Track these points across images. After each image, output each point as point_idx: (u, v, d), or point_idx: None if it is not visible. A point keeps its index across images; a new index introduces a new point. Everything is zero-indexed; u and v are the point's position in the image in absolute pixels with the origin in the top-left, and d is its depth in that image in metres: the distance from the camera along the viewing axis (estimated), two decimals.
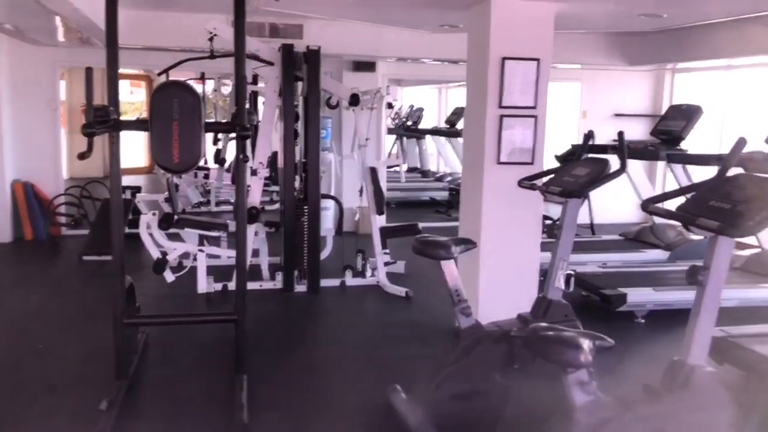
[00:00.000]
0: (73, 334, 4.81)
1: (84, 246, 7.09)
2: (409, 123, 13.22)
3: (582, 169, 3.50)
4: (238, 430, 3.36)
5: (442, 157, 13.42)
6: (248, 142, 3.68)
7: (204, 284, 5.77)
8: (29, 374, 4.09)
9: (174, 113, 3.39)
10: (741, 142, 2.68)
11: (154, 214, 5.76)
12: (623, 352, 4.48)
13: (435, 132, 12.66)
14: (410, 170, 13.55)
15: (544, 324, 2.62)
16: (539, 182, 3.72)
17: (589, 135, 3.77)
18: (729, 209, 2.48)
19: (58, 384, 3.96)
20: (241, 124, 3.42)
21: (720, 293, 2.60)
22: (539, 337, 2.44)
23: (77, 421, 3.47)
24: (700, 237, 6.40)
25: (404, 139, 13.61)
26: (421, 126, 13.06)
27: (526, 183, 3.71)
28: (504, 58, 4.49)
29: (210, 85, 11.79)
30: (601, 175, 3.35)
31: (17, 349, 4.51)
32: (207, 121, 3.53)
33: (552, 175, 3.70)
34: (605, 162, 3.42)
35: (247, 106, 3.70)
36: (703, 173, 5.08)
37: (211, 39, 5.46)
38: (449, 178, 12.13)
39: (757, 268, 5.88)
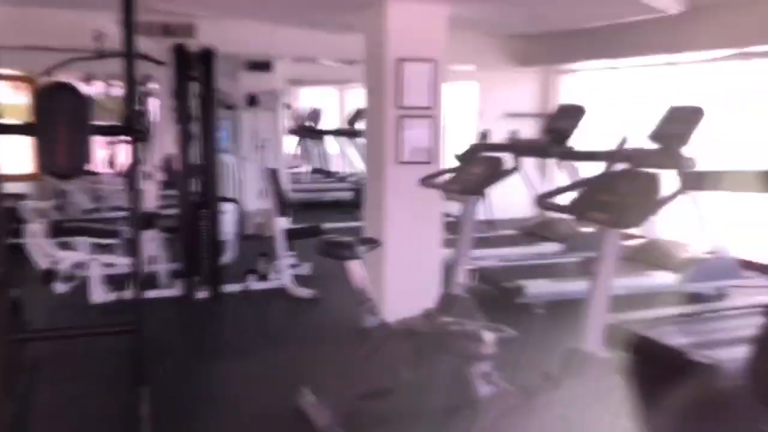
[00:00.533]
0: None
1: None
2: (310, 123, 13.16)
3: (479, 167, 3.59)
4: None
5: (345, 157, 13.44)
6: (142, 145, 3.54)
7: (99, 294, 5.51)
8: None
9: (60, 116, 3.21)
10: (625, 139, 2.83)
11: (41, 223, 5.44)
12: (524, 342, 4.63)
13: (336, 133, 12.66)
14: (314, 171, 13.50)
15: (448, 319, 2.68)
16: (439, 181, 3.79)
17: (485, 134, 3.89)
18: (616, 203, 2.62)
19: None
20: (133, 127, 3.29)
21: (611, 282, 2.73)
22: (443, 331, 2.50)
23: None
24: (591, 230, 6.74)
25: (306, 139, 13.53)
26: (323, 127, 13.03)
27: (427, 182, 3.78)
28: (401, 60, 4.55)
29: (98, 86, 11.27)
30: (496, 173, 3.45)
31: None
32: (96, 124, 3.37)
33: (452, 174, 3.78)
34: (500, 160, 3.53)
35: (140, 107, 3.56)
36: (591, 169, 5.36)
37: (97, 38, 5.22)
38: (353, 179, 12.17)
39: (644, 257, 6.24)
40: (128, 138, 3.31)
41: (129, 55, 3.45)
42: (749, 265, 6.64)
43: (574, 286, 5.37)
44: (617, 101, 9.00)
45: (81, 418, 3.61)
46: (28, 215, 7.33)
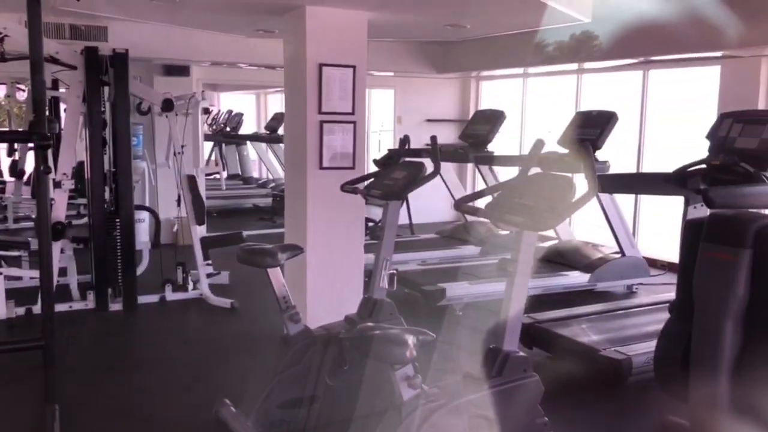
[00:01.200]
0: None
1: None
2: (228, 129, 12.92)
3: (400, 172, 3.62)
4: None
5: (264, 163, 13.27)
6: (50, 152, 3.39)
7: (3, 309, 5.22)
8: None
9: None
10: (539, 144, 2.93)
11: None
12: (445, 343, 4.71)
13: (255, 138, 12.49)
14: (231, 177, 13.26)
15: (370, 324, 2.68)
16: (361, 186, 3.80)
17: (405, 140, 3.93)
18: (531, 206, 2.70)
19: None
20: (40, 133, 3.14)
21: (527, 283, 2.81)
22: (366, 336, 2.50)
23: None
24: (507, 232, 6.94)
25: (223, 145, 13.28)
26: (241, 132, 12.82)
27: (348, 187, 3.77)
28: (321, 65, 4.54)
29: (2, 90, 10.70)
30: (417, 178, 3.49)
31: None
32: (0, 129, 3.20)
33: (372, 179, 3.80)
34: (421, 165, 3.57)
35: (47, 112, 3.41)
36: (507, 173, 5.51)
37: (1, 40, 4.96)
38: (272, 185, 12.03)
39: (556, 257, 6.47)
40: (35, 144, 3.16)
41: (35, 57, 3.30)
42: (655, 264, 7.00)
43: (492, 287, 5.52)
44: (532, 107, 9.30)
45: None
46: None
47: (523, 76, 9.24)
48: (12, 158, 9.50)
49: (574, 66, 7.92)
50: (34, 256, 5.44)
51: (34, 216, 8.84)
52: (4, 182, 9.45)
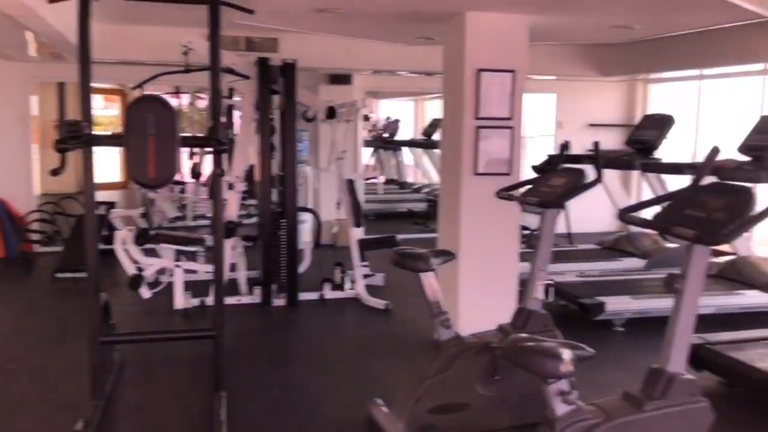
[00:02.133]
0: (47, 354, 4.71)
1: (57, 263, 6.97)
2: (386, 135, 13.24)
3: (559, 179, 3.52)
4: None
5: (420, 168, 13.45)
6: (224, 156, 3.65)
7: (181, 300, 5.69)
8: (1, 396, 3.99)
9: (149, 128, 3.35)
10: (715, 151, 2.71)
11: (129, 230, 5.68)
12: (603, 361, 4.50)
13: (412, 144, 12.69)
14: (387, 182, 13.56)
15: (524, 335, 2.62)
16: (517, 193, 3.73)
17: (565, 145, 3.80)
18: (704, 217, 2.50)
19: (32, 405, 3.87)
20: (217, 139, 3.39)
21: (697, 301, 2.61)
22: (520, 348, 2.44)
23: None
24: (676, 245, 6.49)
25: (381, 151, 13.63)
26: (398, 138, 13.09)
27: (504, 194, 3.72)
28: (480, 70, 4.52)
29: (185, 99, 11.71)
30: (577, 185, 3.37)
31: None
32: (183, 135, 3.49)
33: (529, 186, 3.72)
34: (581, 172, 3.45)
35: (223, 120, 3.67)
36: (677, 182, 5.15)
37: (185, 53, 5.43)
38: (427, 190, 12.15)
39: (733, 274, 5.96)
40: (212, 149, 3.42)
41: (214, 69, 3.58)
42: None
43: (657, 303, 5.19)
44: (707, 111, 8.64)
45: (160, 419, 3.73)
46: (117, 223, 7.71)
47: (698, 78, 8.61)
48: (192, 161, 10.36)
49: (759, 66, 7.26)
50: (209, 252, 5.91)
51: (209, 215, 9.58)
52: (184, 183, 10.31)
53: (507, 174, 4.61)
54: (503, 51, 4.59)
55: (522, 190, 3.80)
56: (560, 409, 2.50)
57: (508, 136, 4.60)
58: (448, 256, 3.43)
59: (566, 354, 2.36)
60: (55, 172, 3.15)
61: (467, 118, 4.55)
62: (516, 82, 4.58)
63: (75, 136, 3.25)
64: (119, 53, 6.70)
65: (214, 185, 3.80)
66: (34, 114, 9.57)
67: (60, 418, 3.61)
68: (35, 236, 7.92)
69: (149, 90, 6.75)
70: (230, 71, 5.89)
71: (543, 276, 3.55)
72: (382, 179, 13.61)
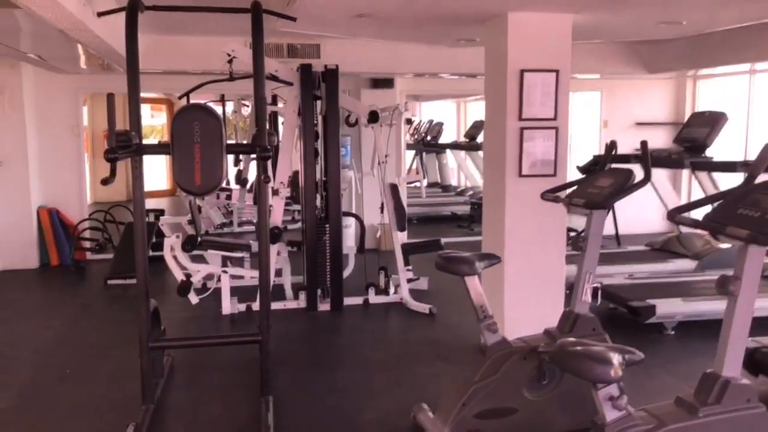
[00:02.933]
0: (99, 358, 4.83)
1: (109, 270, 7.16)
2: (429, 138, 13.21)
3: (606, 179, 3.44)
4: None
5: (463, 171, 13.38)
6: (269, 162, 3.69)
7: (228, 305, 5.78)
8: (55, 400, 4.11)
9: (195, 136, 3.41)
10: None
11: (177, 237, 5.79)
12: (653, 365, 4.39)
13: (455, 146, 12.63)
14: (430, 185, 13.53)
15: (572, 339, 2.57)
16: (562, 194, 3.67)
17: (612, 145, 3.72)
18: (758, 217, 2.42)
19: (85, 409, 3.97)
20: (262, 145, 3.43)
21: (752, 303, 2.53)
22: (568, 352, 2.40)
23: None
24: (729, 246, 6.30)
25: (424, 154, 13.60)
26: (441, 140, 13.04)
27: (549, 195, 3.66)
28: (522, 71, 4.46)
29: (230, 106, 11.90)
30: (625, 186, 3.29)
31: (43, 374, 4.54)
32: (228, 142, 3.54)
33: (575, 187, 3.65)
34: (629, 172, 3.36)
35: (267, 126, 3.71)
36: (729, 181, 5.00)
37: (229, 61, 5.50)
38: (470, 192, 12.08)
39: None
40: (257, 156, 3.45)
41: (258, 76, 3.62)
42: None
43: (710, 306, 5.04)
44: (759, 107, 8.38)
45: (209, 423, 3.78)
46: (165, 230, 7.87)
47: (749, 73, 8.35)
48: (237, 168, 10.52)
49: None
50: (254, 257, 5.98)
51: (254, 221, 9.70)
52: (230, 190, 10.47)
53: (552, 175, 4.54)
54: (546, 51, 4.53)
55: (568, 191, 3.73)
56: (611, 414, 2.45)
57: (553, 136, 4.53)
58: (493, 259, 3.40)
59: (616, 358, 2.31)
60: (105, 182, 3.23)
61: (511, 120, 4.51)
62: (560, 81, 4.52)
63: (124, 146, 3.33)
64: (166, 63, 6.85)
65: (259, 191, 3.84)
66: (85, 124, 9.87)
67: (111, 421, 3.70)
68: (87, 244, 8.15)
69: (195, 98, 6.89)
70: (274, 78, 5.95)
71: (591, 278, 3.48)
72: (425, 183, 13.58)
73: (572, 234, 6.84)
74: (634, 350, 2.37)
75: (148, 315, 3.70)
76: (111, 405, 3.99)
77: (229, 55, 5.51)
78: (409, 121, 6.46)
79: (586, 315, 3.48)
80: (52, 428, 3.74)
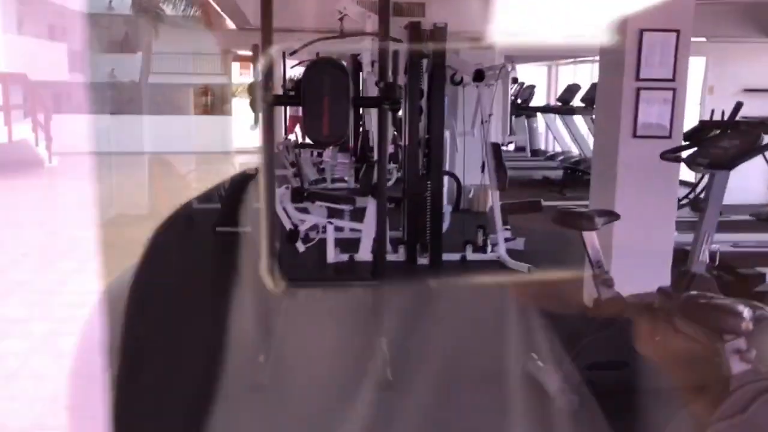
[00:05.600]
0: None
1: (216, 219, 7.52)
2: (519, 101, 13.06)
3: (730, 141, 3.42)
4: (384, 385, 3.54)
5: (554, 135, 13.19)
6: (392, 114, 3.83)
7: (333, 254, 6.02)
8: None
9: (324, 89, 3.58)
10: None
11: (287, 188, 6.05)
12: None
13: (548, 109, 12.46)
14: (518, 149, 13.43)
15: (697, 293, 2.62)
16: (683, 155, 3.66)
17: (739, 106, 3.67)
18: None
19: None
20: (392, 98, 3.57)
21: None
22: (698, 304, 2.45)
23: None
24: None
25: (513, 117, 13.47)
26: (534, 104, 12.89)
27: (670, 155, 3.66)
28: (642, 30, 4.41)
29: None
30: (754, 146, 3.27)
31: None
32: (355, 96, 3.70)
33: (697, 148, 3.64)
34: (758, 134, 3.33)
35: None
36: None
37: (341, 19, 5.65)
38: (561, 158, 11.93)
39: None
40: (385, 108, 3.60)
41: (384, 30, 3.75)
42: None
43: None
44: None
45: (331, 356, 4.02)
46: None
47: None
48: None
49: None
50: (355, 212, 6.20)
51: (347, 178, 9.96)
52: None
53: (668, 137, 4.49)
54: (667, 10, 4.44)
55: (689, 152, 3.72)
56: (737, 367, 2.49)
57: (671, 98, 4.48)
58: (612, 216, 3.45)
59: (746, 311, 2.35)
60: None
61: (627, 80, 4.46)
62: (681, 42, 4.43)
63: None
64: (278, 21, 7.02)
65: (380, 147, 3.96)
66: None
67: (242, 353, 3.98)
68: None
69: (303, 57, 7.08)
70: (394, 39, 6.01)
71: (709, 239, 3.49)
72: (513, 147, 13.48)
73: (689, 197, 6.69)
74: (764, 306, 2.40)
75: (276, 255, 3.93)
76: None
77: (341, 12, 5.65)
78: (515, 80, 6.45)
79: (703, 275, 3.51)
80: None
